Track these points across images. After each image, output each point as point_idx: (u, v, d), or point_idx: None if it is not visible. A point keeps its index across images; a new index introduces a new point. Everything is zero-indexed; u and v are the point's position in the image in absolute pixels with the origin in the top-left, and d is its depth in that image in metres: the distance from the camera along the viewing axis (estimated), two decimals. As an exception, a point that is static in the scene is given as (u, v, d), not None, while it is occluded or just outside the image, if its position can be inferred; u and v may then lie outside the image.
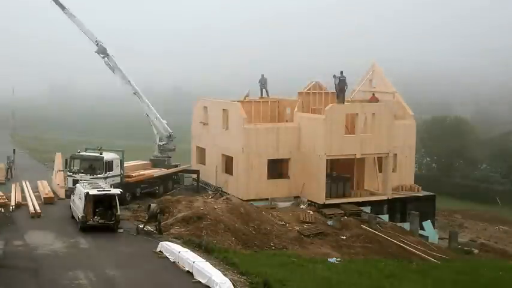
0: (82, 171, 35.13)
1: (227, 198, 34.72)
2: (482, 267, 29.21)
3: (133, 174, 37.95)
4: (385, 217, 37.77)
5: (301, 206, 36.73)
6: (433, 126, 69.20)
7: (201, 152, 44.09)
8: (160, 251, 24.97)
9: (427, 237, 36.79)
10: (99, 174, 34.64)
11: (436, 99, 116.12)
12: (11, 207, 32.76)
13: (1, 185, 40.86)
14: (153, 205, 29.52)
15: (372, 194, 38.82)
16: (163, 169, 40.95)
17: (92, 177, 34.18)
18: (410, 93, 78.38)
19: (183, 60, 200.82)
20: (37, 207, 32.11)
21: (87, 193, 28.64)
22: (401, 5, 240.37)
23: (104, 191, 29.65)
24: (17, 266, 23.17)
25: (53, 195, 35.32)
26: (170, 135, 43.04)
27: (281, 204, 36.80)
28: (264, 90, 43.63)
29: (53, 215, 31.86)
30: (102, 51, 41.61)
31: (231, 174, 38.95)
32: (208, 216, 30.19)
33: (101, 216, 29.06)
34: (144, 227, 29.20)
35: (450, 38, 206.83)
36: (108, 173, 34.97)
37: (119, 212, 29.15)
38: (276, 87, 47.97)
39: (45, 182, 38.54)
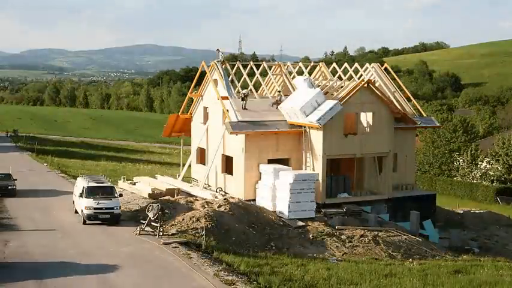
0: None
1: (227, 198, 34.74)
2: (482, 267, 29.20)
3: None
4: (386, 216, 37.80)
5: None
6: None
7: (201, 152, 44.08)
8: None
9: (428, 236, 36.81)
10: None
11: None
12: None
13: None
14: (153, 205, 29.59)
15: (372, 193, 38.85)
16: None
17: None
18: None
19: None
20: None
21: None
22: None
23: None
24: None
25: None
26: None
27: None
28: None
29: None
30: None
31: (231, 174, 38.97)
32: (208, 216, 30.24)
33: None
34: (145, 227, 29.31)
35: None
36: None
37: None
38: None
39: None
